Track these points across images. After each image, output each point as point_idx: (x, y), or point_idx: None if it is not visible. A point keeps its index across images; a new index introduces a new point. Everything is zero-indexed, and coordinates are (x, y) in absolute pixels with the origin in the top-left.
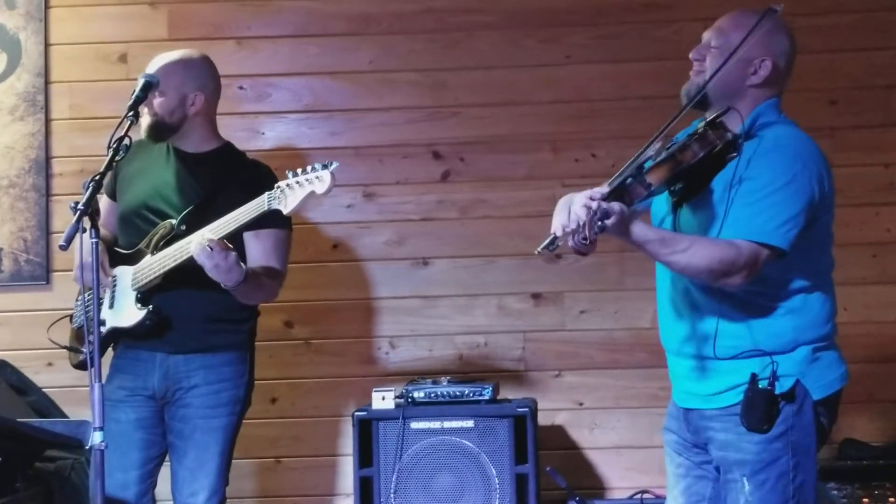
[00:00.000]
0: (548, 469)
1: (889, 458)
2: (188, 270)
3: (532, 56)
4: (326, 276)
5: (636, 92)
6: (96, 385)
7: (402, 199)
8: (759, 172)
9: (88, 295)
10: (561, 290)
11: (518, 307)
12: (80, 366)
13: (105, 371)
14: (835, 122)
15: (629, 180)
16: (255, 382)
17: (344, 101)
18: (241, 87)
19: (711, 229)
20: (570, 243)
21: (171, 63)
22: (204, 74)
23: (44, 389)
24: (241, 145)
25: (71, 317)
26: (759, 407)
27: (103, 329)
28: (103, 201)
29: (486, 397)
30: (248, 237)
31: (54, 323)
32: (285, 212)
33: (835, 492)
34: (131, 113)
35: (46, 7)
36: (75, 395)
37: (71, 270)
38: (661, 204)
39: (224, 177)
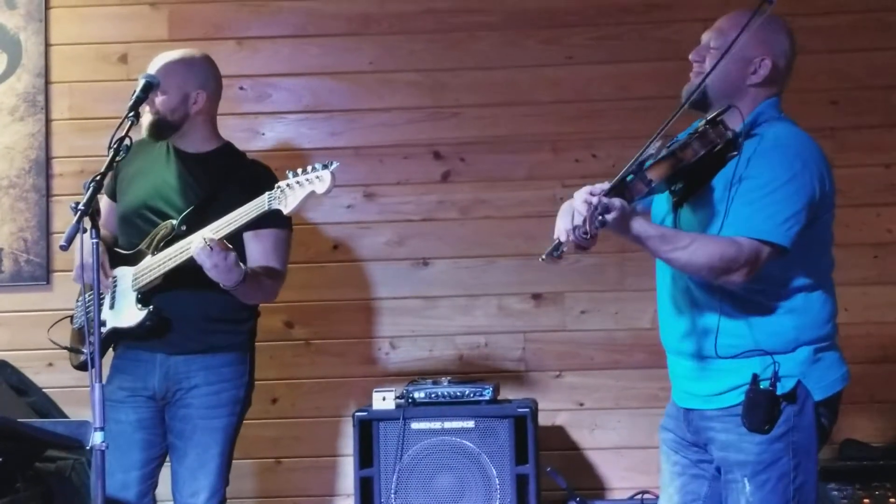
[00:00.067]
0: (548, 469)
1: (889, 458)
2: (188, 271)
3: (532, 56)
4: (327, 276)
5: (636, 92)
6: (97, 385)
7: (403, 200)
8: (759, 171)
9: (89, 296)
10: (561, 291)
11: (518, 307)
12: (82, 367)
13: (105, 372)
14: (835, 122)
15: (630, 177)
16: (256, 383)
17: (344, 101)
18: (241, 88)
19: (712, 227)
20: (571, 237)
21: (173, 62)
22: (206, 73)
23: (44, 390)
24: (241, 146)
25: (71, 317)
26: (761, 407)
27: (104, 329)
28: (103, 202)
29: (487, 398)
30: (248, 237)
31: (55, 324)
32: (285, 212)
33: (835, 492)
34: (132, 113)
35: (47, 7)
36: (76, 395)
37: (71, 271)
38: (661, 204)
39: (224, 177)
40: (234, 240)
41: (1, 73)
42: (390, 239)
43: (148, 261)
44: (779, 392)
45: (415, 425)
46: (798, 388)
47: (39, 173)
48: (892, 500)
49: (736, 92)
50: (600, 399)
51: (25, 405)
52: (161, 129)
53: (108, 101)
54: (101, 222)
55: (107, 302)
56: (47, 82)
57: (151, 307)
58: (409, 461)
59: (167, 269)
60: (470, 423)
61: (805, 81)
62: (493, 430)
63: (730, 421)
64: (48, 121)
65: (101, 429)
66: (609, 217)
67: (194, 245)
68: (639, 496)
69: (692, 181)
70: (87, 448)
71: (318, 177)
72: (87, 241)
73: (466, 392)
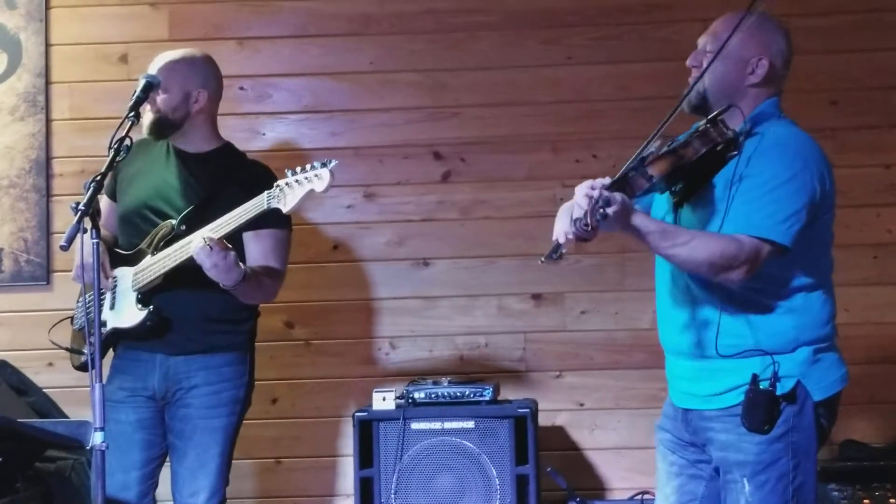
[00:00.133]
0: (548, 470)
1: (889, 459)
2: (188, 271)
3: (533, 57)
4: (327, 276)
5: (637, 92)
6: (97, 385)
7: (403, 200)
8: (760, 170)
9: (89, 296)
10: (561, 291)
11: (518, 308)
12: (82, 367)
13: (105, 372)
14: (836, 122)
15: (631, 172)
16: (256, 383)
17: (344, 101)
18: (241, 88)
19: (712, 226)
20: (573, 230)
21: (175, 60)
22: (207, 73)
23: (44, 390)
24: (241, 146)
25: (72, 318)
26: (761, 408)
27: (104, 330)
28: (103, 202)
29: (487, 398)
30: (247, 237)
31: (55, 324)
32: (284, 210)
33: (835, 493)
34: (132, 113)
35: (47, 7)
36: (76, 395)
37: (71, 271)
38: (661, 204)
39: (224, 177)
40: (234, 240)
41: (1, 72)
42: (390, 239)
43: (148, 260)
44: (778, 392)
45: (415, 425)
46: (798, 388)
47: (40, 173)
48: (892, 500)
49: (735, 93)
50: (600, 399)
51: (25, 405)
52: (162, 127)
53: (109, 101)
54: (101, 222)
55: (107, 302)
56: (48, 82)
57: (151, 307)
58: (409, 461)
59: (167, 268)
60: (470, 424)
61: (805, 82)
62: (494, 431)
63: (729, 421)
64: (48, 121)
65: (102, 429)
66: (610, 210)
67: (194, 244)
68: (639, 496)
69: (692, 181)
70: (88, 448)
71: (316, 175)
72: (87, 241)
73: (466, 392)
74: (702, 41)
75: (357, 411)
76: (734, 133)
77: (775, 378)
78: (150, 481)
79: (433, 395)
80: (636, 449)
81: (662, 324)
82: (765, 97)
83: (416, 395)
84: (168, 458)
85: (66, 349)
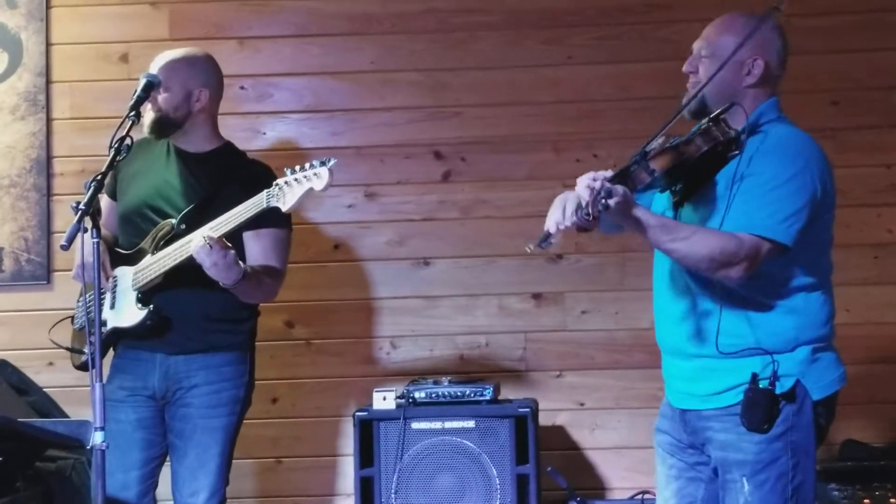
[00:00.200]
0: (549, 469)
1: (890, 459)
2: (188, 270)
3: (533, 56)
4: (327, 276)
5: (637, 92)
6: (97, 385)
7: (404, 199)
8: (761, 169)
9: (90, 295)
10: (562, 291)
11: (519, 307)
12: (83, 367)
13: (105, 371)
14: (836, 123)
15: (633, 166)
16: (256, 382)
17: (345, 101)
18: (242, 87)
19: (712, 224)
20: (574, 218)
21: (176, 60)
22: (208, 72)
23: (44, 389)
24: (242, 145)
25: (72, 318)
26: (760, 407)
27: (104, 329)
28: (104, 201)
29: (487, 397)
30: (247, 237)
31: (56, 324)
32: (284, 209)
33: (836, 493)
34: (133, 113)
35: (48, 7)
36: (76, 394)
37: (71, 270)
38: (661, 203)
39: (224, 176)
40: (234, 239)
41: (2, 72)
42: (391, 239)
43: (148, 260)
44: (778, 391)
45: (415, 425)
46: (797, 387)
47: (40, 173)
48: (892, 500)
49: (733, 95)
50: (601, 399)
51: (26, 405)
52: (163, 126)
53: (109, 100)
54: (102, 222)
55: (107, 301)
56: (48, 81)
57: (151, 306)
58: (410, 461)
59: (167, 267)
60: (470, 423)
61: (805, 82)
62: (494, 430)
63: (728, 420)
64: (49, 120)
65: (102, 428)
66: (612, 201)
67: (194, 243)
68: (639, 496)
69: (693, 179)
70: (88, 448)
71: (315, 174)
72: (87, 240)
73: (467, 392)
74: (696, 46)
75: (357, 411)
76: (736, 132)
77: (774, 377)
78: (150, 481)
79: (434, 395)
80: (636, 448)
81: (660, 323)
82: (763, 97)
83: (417, 395)
84: (168, 458)
85: (67, 348)
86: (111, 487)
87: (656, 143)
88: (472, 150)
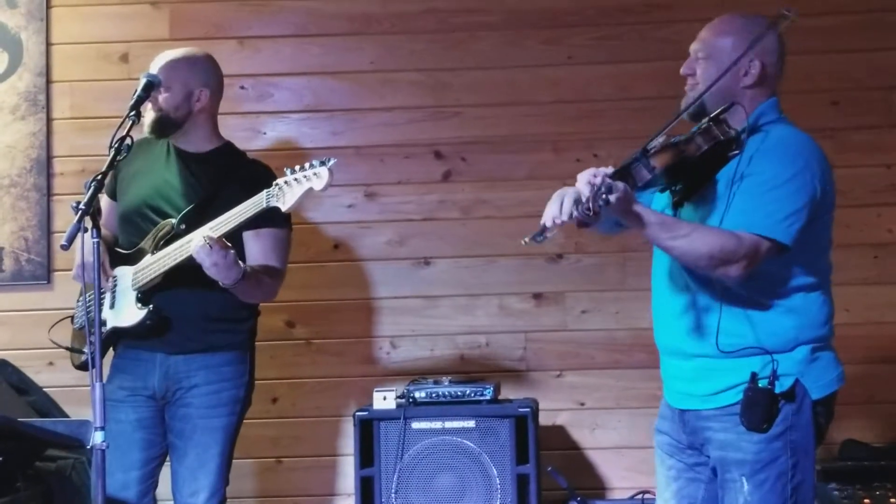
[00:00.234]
0: (549, 469)
1: (890, 458)
2: (188, 270)
3: (533, 56)
4: (328, 275)
5: (637, 92)
6: (97, 385)
7: (404, 199)
8: (762, 168)
9: (89, 295)
10: (562, 291)
11: (519, 307)
12: (83, 367)
13: (105, 371)
14: (837, 123)
15: (634, 163)
16: (256, 382)
17: (345, 100)
18: (242, 87)
19: (711, 223)
20: (574, 213)
21: (177, 59)
22: (209, 71)
23: (45, 389)
24: (242, 145)
25: (72, 317)
26: (760, 406)
27: (104, 329)
28: (104, 201)
29: (488, 397)
30: (247, 236)
31: (56, 324)
32: (284, 209)
33: (836, 492)
34: (133, 112)
35: (48, 6)
36: (76, 394)
37: (72, 270)
38: (660, 204)
39: (224, 176)
40: (234, 239)
41: (2, 72)
42: (391, 238)
43: (148, 259)
44: (777, 391)
45: (415, 425)
46: (796, 386)
47: (40, 172)
48: (892, 500)
49: (731, 97)
50: (601, 399)
51: (26, 404)
52: (164, 126)
53: (109, 100)
54: (102, 222)
55: (107, 301)
56: (48, 81)
57: (151, 306)
58: (410, 461)
59: (167, 267)
60: (471, 423)
61: (805, 82)
62: (494, 430)
63: (728, 420)
64: (49, 120)
65: (102, 428)
66: (612, 197)
67: (194, 243)
68: (639, 496)
69: (693, 179)
70: (88, 447)
71: (315, 173)
72: (87, 240)
73: (467, 392)
74: (693, 48)
75: (358, 411)
76: (736, 132)
77: (774, 376)
78: (150, 481)
79: (434, 395)
80: (637, 448)
81: (659, 323)
82: (762, 98)
83: (417, 395)
84: (168, 458)
85: (67, 348)
86: (111, 487)
87: (657, 142)
88: (473, 149)
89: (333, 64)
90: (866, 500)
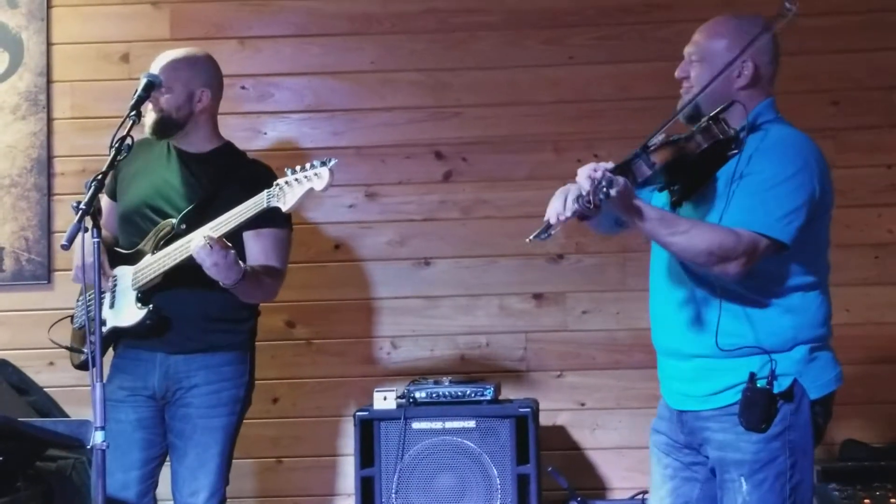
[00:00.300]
0: (549, 469)
1: (890, 459)
2: (188, 270)
3: (534, 56)
4: (328, 276)
5: (637, 92)
6: (98, 385)
7: (404, 199)
8: (761, 167)
9: (89, 295)
10: (563, 291)
11: (520, 307)
12: (82, 366)
13: (105, 371)
14: (837, 123)
15: (634, 159)
16: (256, 382)
17: (346, 100)
18: (242, 87)
19: (711, 221)
20: (575, 206)
21: (178, 60)
22: (209, 72)
23: (45, 389)
24: (242, 145)
25: (72, 317)
26: (758, 406)
27: (104, 329)
28: (104, 201)
29: (488, 397)
30: (248, 236)
31: (55, 323)
32: (284, 209)
33: (836, 493)
34: (133, 112)
35: (48, 6)
36: (76, 394)
37: (72, 270)
38: (659, 203)
39: (225, 176)
40: (234, 239)
41: (3, 71)
42: (392, 239)
43: (148, 259)
44: (775, 391)
45: (416, 425)
46: (794, 386)
47: (41, 172)
48: (892, 500)
49: (726, 98)
50: (601, 399)
51: (26, 404)
52: (165, 127)
53: (110, 100)
54: (102, 222)
55: (107, 301)
56: (49, 81)
57: (151, 306)
58: (410, 461)
59: (167, 267)
60: (471, 423)
61: (806, 82)
62: (495, 430)
63: (726, 420)
64: (50, 120)
65: (102, 428)
66: (613, 191)
67: (194, 243)
68: (640, 496)
69: (692, 178)
70: (88, 447)
71: (316, 174)
72: (88, 240)
73: (467, 392)
74: (687, 51)
75: (358, 411)
76: (735, 131)
77: (772, 376)
78: (150, 481)
79: (434, 395)
80: (637, 449)
81: (657, 324)
82: (758, 99)
83: (417, 395)
84: (168, 458)
85: (67, 348)
86: (111, 487)
87: (658, 139)
88: (473, 150)
89: (334, 64)
90: (866, 501)
